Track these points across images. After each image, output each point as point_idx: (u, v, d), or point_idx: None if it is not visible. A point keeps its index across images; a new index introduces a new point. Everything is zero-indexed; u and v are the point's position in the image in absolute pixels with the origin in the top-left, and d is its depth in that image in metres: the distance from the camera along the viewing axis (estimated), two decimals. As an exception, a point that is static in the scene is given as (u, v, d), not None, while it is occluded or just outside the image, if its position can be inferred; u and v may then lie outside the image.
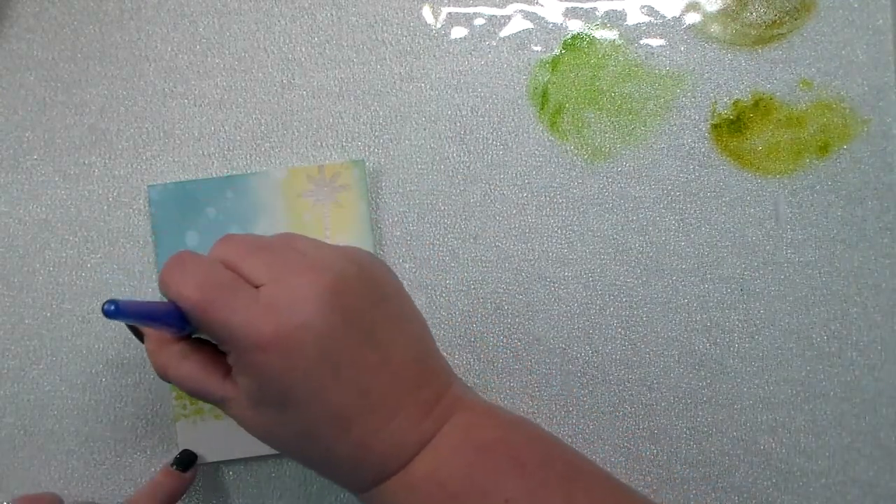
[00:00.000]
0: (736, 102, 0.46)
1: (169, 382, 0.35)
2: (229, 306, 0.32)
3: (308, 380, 0.32)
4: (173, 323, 0.33)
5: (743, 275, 0.46)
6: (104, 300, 0.31)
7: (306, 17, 0.47)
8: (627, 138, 0.46)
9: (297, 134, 0.46)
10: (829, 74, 0.46)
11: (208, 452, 0.44)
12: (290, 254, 0.33)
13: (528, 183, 0.46)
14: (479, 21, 0.47)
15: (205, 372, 0.34)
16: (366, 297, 0.33)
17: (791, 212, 0.46)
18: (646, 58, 0.47)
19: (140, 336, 0.37)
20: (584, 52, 0.47)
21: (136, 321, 0.33)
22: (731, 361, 0.46)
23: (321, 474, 0.35)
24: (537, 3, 0.47)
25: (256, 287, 0.33)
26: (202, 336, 0.35)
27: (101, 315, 0.45)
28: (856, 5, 0.46)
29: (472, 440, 0.34)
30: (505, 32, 0.47)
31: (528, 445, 0.35)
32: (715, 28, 0.47)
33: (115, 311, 0.30)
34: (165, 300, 0.34)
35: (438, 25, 0.47)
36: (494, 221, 0.46)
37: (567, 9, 0.47)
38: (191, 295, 0.32)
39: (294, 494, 0.45)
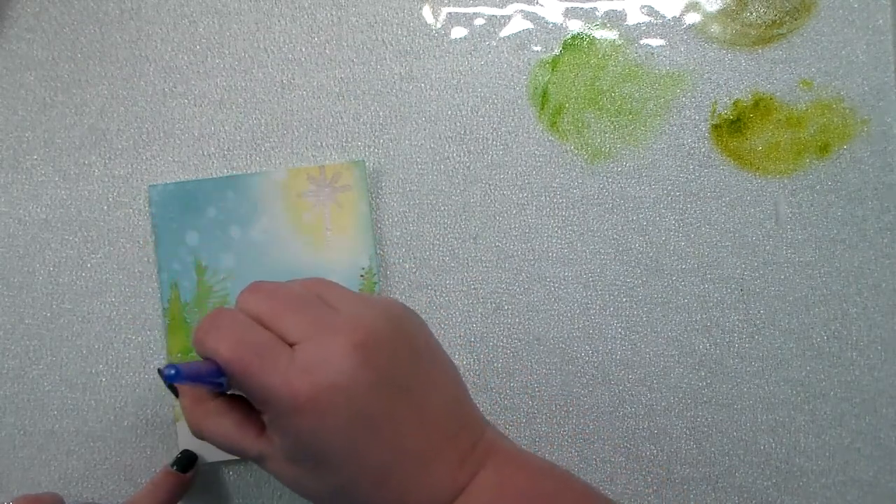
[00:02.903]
0: (736, 102, 0.46)
1: (202, 439, 0.35)
2: (266, 368, 0.31)
3: (343, 439, 0.32)
4: (213, 381, 0.33)
5: (743, 275, 0.46)
6: (161, 365, 0.31)
7: (306, 17, 0.47)
8: (627, 138, 0.46)
9: (297, 134, 0.46)
10: (829, 74, 0.46)
11: (208, 452, 0.44)
12: (323, 309, 0.33)
13: (528, 183, 0.46)
14: (479, 21, 0.47)
15: (240, 431, 0.34)
16: (398, 351, 0.33)
17: (791, 212, 0.46)
18: (646, 58, 0.47)
19: (175, 391, 0.37)
20: (584, 53, 0.47)
21: (188, 382, 0.32)
22: (731, 361, 0.46)
23: None
24: (537, 3, 0.47)
25: (291, 344, 0.32)
26: (236, 392, 0.35)
27: (101, 315, 0.45)
28: (856, 5, 0.46)
29: (505, 489, 0.34)
30: (505, 32, 0.47)
31: (562, 495, 0.35)
32: (715, 28, 0.47)
33: (174, 375, 0.31)
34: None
35: (438, 25, 0.47)
36: (494, 221, 0.46)
37: (567, 9, 0.47)
38: (227, 355, 0.32)
39: (294, 494, 0.45)
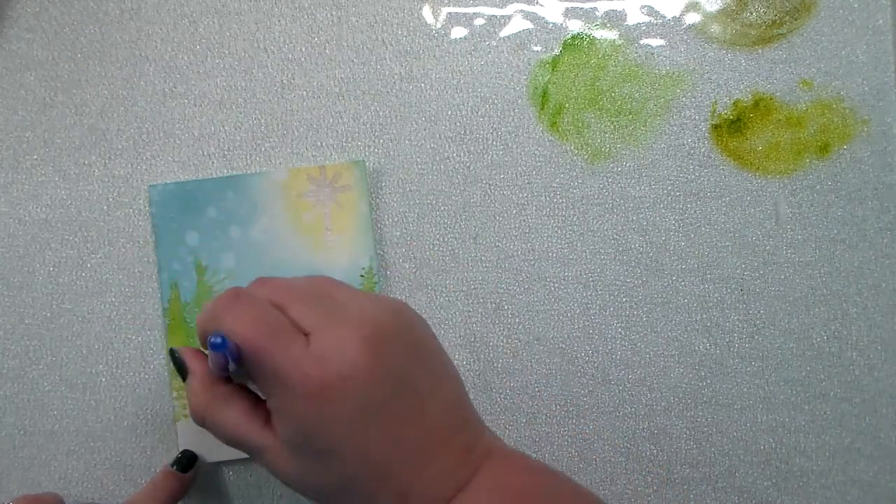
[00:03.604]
0: (736, 102, 0.46)
1: (202, 426, 0.35)
2: (282, 350, 0.32)
3: (349, 429, 0.32)
4: (227, 361, 0.33)
5: (743, 275, 0.46)
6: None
7: (306, 17, 0.47)
8: (627, 138, 0.46)
9: (297, 134, 0.46)
10: (829, 74, 0.46)
11: (208, 452, 0.44)
12: (331, 303, 0.34)
13: (528, 183, 0.46)
14: (479, 21, 0.47)
15: (246, 419, 0.34)
16: (402, 347, 0.34)
17: (791, 212, 0.46)
18: (646, 58, 0.47)
19: (183, 373, 0.37)
20: (584, 53, 0.47)
21: (219, 352, 0.32)
22: (731, 361, 0.46)
23: None
24: (537, 3, 0.47)
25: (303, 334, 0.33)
26: (242, 383, 0.35)
27: (101, 315, 0.45)
28: (856, 5, 0.46)
29: (504, 487, 0.34)
30: (505, 32, 0.47)
31: (559, 492, 0.35)
32: (715, 28, 0.47)
33: (221, 343, 0.31)
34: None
35: (438, 25, 0.47)
36: (494, 221, 0.46)
37: (567, 9, 0.47)
38: (246, 332, 0.32)
39: (294, 494, 0.45)
